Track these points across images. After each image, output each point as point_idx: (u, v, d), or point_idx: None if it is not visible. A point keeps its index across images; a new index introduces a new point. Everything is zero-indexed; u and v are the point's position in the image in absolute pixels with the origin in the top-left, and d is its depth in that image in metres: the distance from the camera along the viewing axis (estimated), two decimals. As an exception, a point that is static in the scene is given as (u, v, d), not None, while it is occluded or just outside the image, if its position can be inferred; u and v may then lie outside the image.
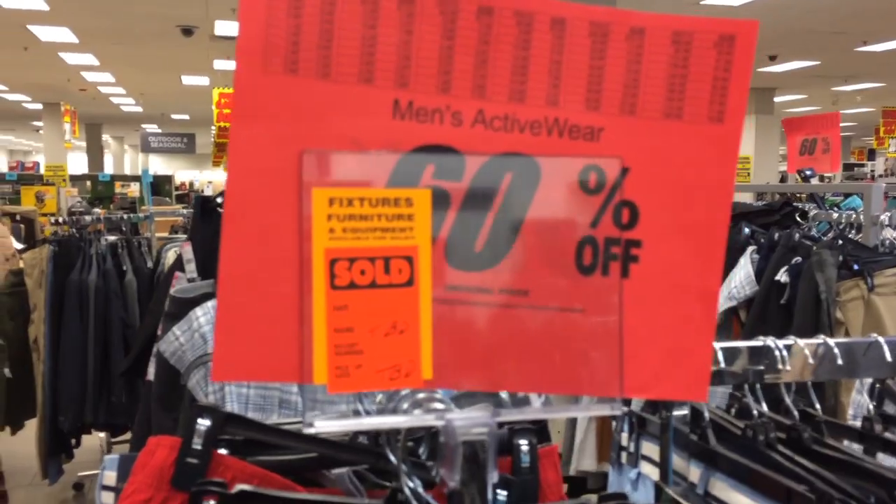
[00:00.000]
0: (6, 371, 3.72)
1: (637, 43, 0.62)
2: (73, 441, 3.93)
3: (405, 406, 0.65)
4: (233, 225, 0.56)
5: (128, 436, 3.75)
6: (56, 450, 3.79)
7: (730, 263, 2.78)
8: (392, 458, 0.70)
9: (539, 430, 0.91)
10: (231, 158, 0.56)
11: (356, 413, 0.75)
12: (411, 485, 0.67)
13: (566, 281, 0.62)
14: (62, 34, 10.33)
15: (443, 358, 0.58)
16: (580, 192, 0.62)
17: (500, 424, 0.82)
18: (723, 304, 2.75)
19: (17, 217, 7.71)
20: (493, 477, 0.61)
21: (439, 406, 0.62)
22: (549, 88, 0.62)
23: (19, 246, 4.70)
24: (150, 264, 3.96)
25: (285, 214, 0.56)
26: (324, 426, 0.56)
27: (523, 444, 0.87)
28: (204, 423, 0.83)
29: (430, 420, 0.59)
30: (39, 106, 17.98)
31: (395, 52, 0.59)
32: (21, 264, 3.89)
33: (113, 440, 4.23)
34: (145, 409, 2.17)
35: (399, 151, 0.59)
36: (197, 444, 0.81)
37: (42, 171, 14.40)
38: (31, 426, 3.87)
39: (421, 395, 0.65)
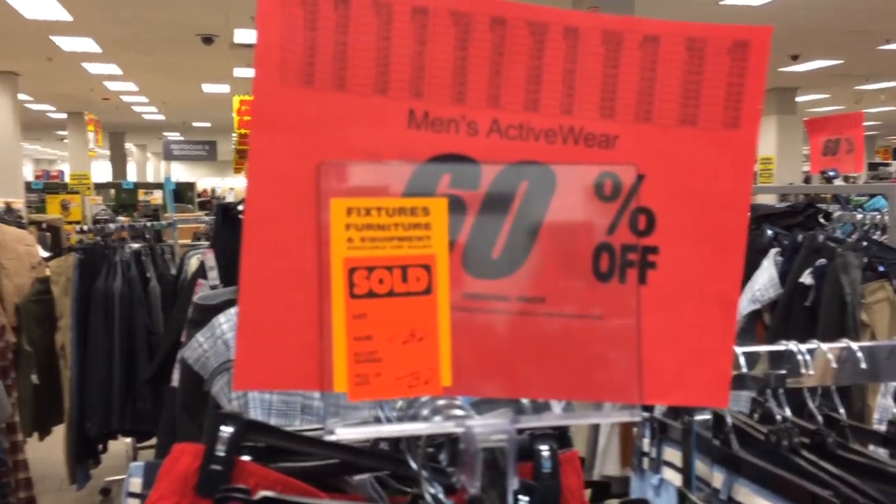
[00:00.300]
0: (34, 377, 3.78)
1: (651, 50, 0.63)
2: (100, 447, 3.98)
3: (425, 412, 0.65)
4: (253, 234, 0.57)
5: (154, 441, 3.78)
6: (83, 455, 3.83)
7: (753, 266, 2.76)
8: (413, 464, 0.71)
9: (560, 436, 0.91)
10: (251, 169, 0.57)
11: (377, 419, 0.76)
12: (432, 491, 0.68)
13: (583, 288, 0.62)
14: (85, 44, 10.48)
15: (461, 365, 0.59)
16: (596, 199, 0.62)
17: (521, 430, 0.83)
18: (746, 307, 2.73)
19: (44, 225, 7.83)
20: (514, 483, 0.61)
21: (459, 413, 0.62)
22: (563, 97, 0.62)
23: (45, 254, 4.77)
24: (173, 271, 4.00)
25: (304, 224, 0.57)
26: (344, 433, 0.56)
27: (544, 449, 0.87)
28: (227, 430, 0.84)
29: (449, 427, 0.60)
30: (64, 116, 18.25)
31: (409, 63, 0.59)
32: (47, 272, 3.95)
33: (139, 446, 4.27)
34: (170, 416, 2.20)
35: (415, 161, 0.60)
36: (220, 450, 0.82)
37: (67, 179, 14.60)
38: (59, 432, 3.92)
39: (441, 402, 0.65)
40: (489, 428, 0.58)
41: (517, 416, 0.61)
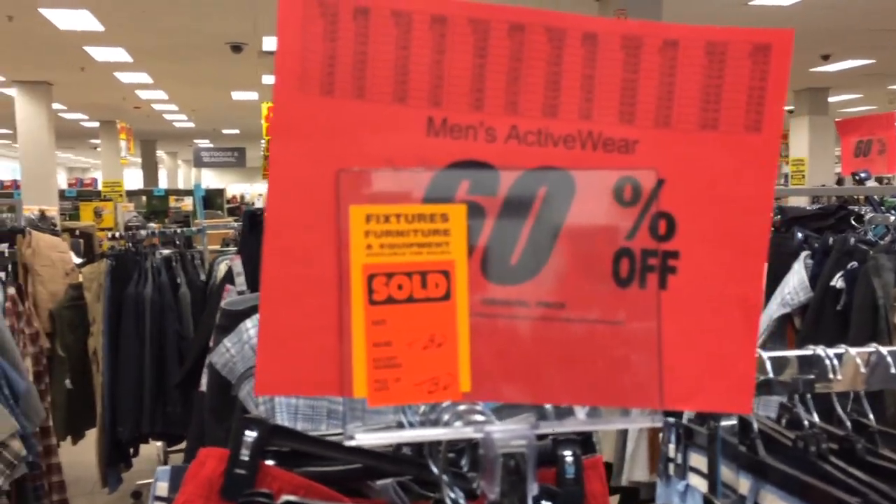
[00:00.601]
0: (67, 382, 3.84)
1: (670, 55, 0.62)
2: (132, 450, 4.04)
3: (446, 417, 0.65)
4: (273, 242, 0.58)
5: (184, 445, 3.83)
6: (115, 459, 3.89)
7: (783, 269, 2.72)
8: (434, 469, 0.71)
9: (584, 441, 0.91)
10: (271, 177, 0.58)
11: (399, 424, 0.76)
12: (453, 496, 0.68)
13: (603, 293, 0.62)
14: (117, 54, 10.67)
15: (481, 370, 0.59)
16: (615, 204, 0.62)
17: (544, 435, 0.82)
18: (776, 310, 2.69)
19: (77, 232, 7.97)
20: (534, 489, 0.61)
21: (479, 418, 0.63)
22: (582, 102, 0.62)
23: (78, 260, 4.85)
24: (203, 277, 4.05)
25: (324, 231, 0.58)
26: (364, 439, 0.57)
27: (567, 454, 0.87)
28: (251, 434, 0.85)
29: (468, 432, 0.60)
30: (96, 124, 18.58)
31: (427, 72, 0.60)
32: (80, 278, 4.02)
33: (169, 449, 4.33)
34: (199, 420, 2.23)
35: (434, 168, 0.60)
36: (244, 455, 0.83)
37: (100, 187, 14.85)
38: (92, 436, 3.98)
39: (462, 407, 0.65)
40: (509, 433, 0.58)
41: (538, 421, 0.61)
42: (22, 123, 12.82)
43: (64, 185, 17.68)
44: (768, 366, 1.05)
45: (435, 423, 0.63)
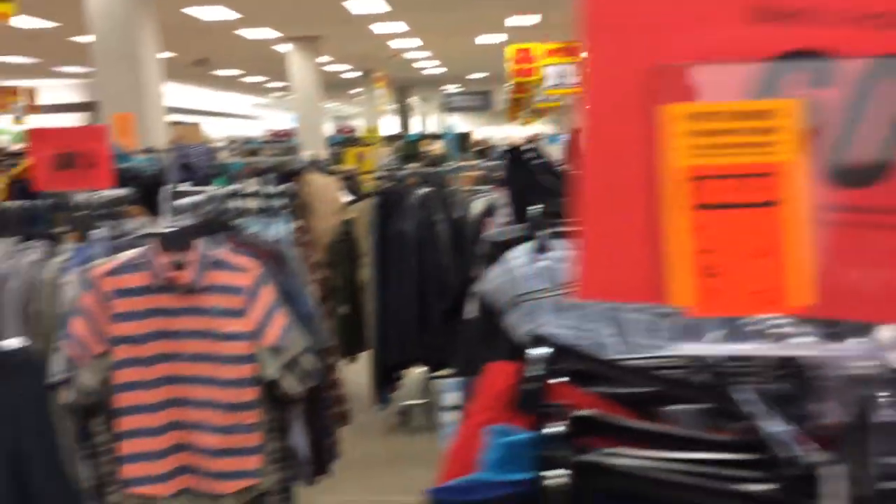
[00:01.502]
0: (342, 309, 4.23)
1: None
2: (399, 373, 4.37)
3: (773, 333, 0.60)
4: (591, 143, 0.56)
5: (445, 371, 4.06)
6: (384, 380, 4.24)
7: None
8: (739, 398, 0.66)
9: None
10: (586, 75, 0.56)
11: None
12: (767, 424, 0.63)
13: (972, 198, 0.53)
14: (376, 5, 11.27)
15: (816, 284, 0.53)
16: None
17: None
18: None
19: (343, 175, 8.65)
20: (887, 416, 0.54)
21: (808, 339, 0.57)
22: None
23: (349, 199, 5.27)
24: (457, 214, 4.21)
25: (640, 130, 0.55)
26: (688, 349, 0.54)
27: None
28: (540, 352, 0.86)
29: (804, 351, 0.55)
30: (357, 74, 19.92)
31: None
32: (351, 215, 4.37)
33: (431, 375, 4.62)
34: (464, 347, 2.34)
35: (759, 60, 0.54)
36: (536, 371, 0.84)
37: (362, 132, 15.97)
38: (364, 358, 4.37)
39: (788, 326, 0.60)
40: (853, 353, 0.52)
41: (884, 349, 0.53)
42: (294, 76, 14.11)
43: (329, 133, 19.26)
44: None
45: (761, 336, 0.58)
